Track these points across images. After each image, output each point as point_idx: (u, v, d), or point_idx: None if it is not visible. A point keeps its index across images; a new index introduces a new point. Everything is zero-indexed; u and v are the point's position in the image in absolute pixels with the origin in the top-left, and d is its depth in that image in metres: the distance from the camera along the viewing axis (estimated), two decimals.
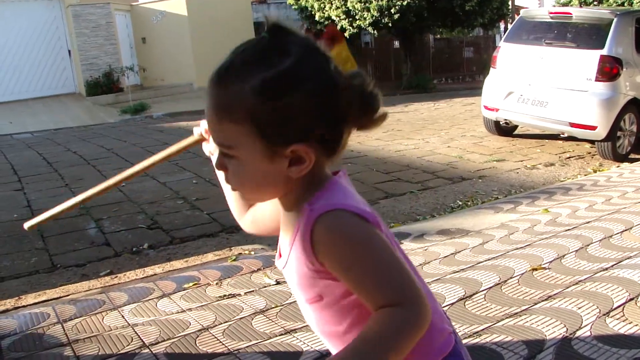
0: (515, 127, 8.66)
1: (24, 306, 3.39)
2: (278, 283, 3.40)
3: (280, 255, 1.12)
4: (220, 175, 1.12)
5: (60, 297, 3.47)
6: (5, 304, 3.41)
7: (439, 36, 24.80)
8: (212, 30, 18.33)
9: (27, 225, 1.39)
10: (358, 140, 8.88)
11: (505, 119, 8.23)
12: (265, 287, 3.36)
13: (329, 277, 1.00)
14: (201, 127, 1.24)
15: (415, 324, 0.92)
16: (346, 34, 16.95)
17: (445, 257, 3.69)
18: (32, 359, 2.74)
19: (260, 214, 1.26)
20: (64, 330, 3.03)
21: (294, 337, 2.74)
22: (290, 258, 1.05)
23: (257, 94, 0.94)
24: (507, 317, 2.79)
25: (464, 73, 23.68)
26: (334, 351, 1.12)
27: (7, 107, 16.61)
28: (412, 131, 9.70)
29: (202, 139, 1.26)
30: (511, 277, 3.26)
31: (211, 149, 1.24)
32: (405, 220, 4.86)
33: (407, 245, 3.98)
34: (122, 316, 3.10)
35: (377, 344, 0.90)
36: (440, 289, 3.16)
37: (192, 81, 18.33)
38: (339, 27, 18.63)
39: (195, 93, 18.02)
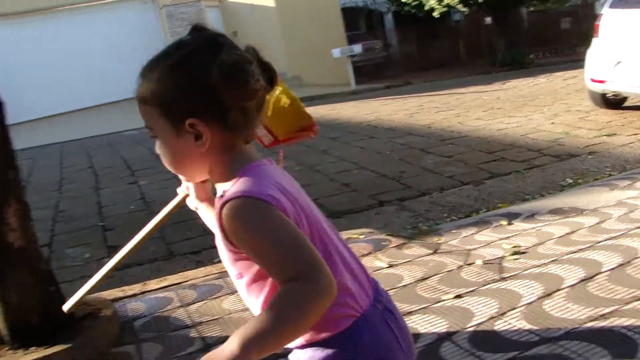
0: (625, 99, 8.16)
1: (149, 291, 3.59)
2: (390, 266, 3.41)
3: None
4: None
5: (180, 283, 3.65)
6: (133, 289, 3.62)
7: (532, 9, 23.76)
8: (300, 19, 18.49)
9: (66, 307, 1.42)
10: (458, 121, 8.73)
11: (614, 91, 7.79)
12: (377, 270, 3.38)
13: (245, 258, 1.11)
14: (183, 186, 1.41)
15: (314, 295, 0.99)
16: (435, 13, 16.62)
17: (560, 237, 3.58)
18: (163, 339, 2.91)
19: None
20: (188, 313, 3.18)
21: (410, 319, 2.74)
22: (217, 240, 1.14)
23: (156, 79, 1.13)
24: (636, 300, 2.66)
25: (562, 46, 22.55)
26: None
27: (116, 106, 17.48)
28: (513, 109, 9.40)
29: (186, 195, 1.41)
30: (636, 257, 3.11)
31: (195, 204, 1.39)
32: (514, 200, 4.73)
33: (517, 226, 3.88)
34: (240, 300, 3.21)
35: (276, 318, 0.98)
36: (558, 270, 3.07)
37: (286, 71, 18.57)
38: (426, 7, 18.30)
39: (289, 82, 18.23)
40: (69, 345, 2.79)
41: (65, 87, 18.69)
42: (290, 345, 1.17)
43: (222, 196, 1.10)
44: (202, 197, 1.38)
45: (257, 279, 1.13)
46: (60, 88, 18.57)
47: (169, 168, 1.22)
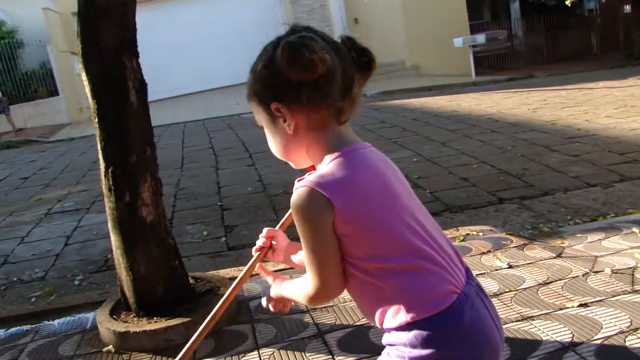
0: None
1: None
2: (510, 267, 3.28)
3: None
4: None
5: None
6: None
7: None
8: (423, 6, 18.14)
9: None
10: (586, 118, 8.26)
11: None
12: (497, 270, 3.27)
13: None
14: (259, 242, 1.55)
15: (311, 296, 1.24)
16: (567, 1, 15.71)
17: None
18: (277, 322, 2.97)
19: None
20: None
21: (531, 324, 2.62)
22: None
23: (251, 73, 1.26)
24: None
25: None
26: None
27: (234, 90, 18.07)
28: None
29: (266, 250, 1.55)
30: None
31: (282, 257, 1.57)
32: None
33: None
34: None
35: (293, 292, 1.33)
36: None
37: (404, 59, 18.38)
38: None
39: (407, 71, 18.09)
40: (189, 318, 2.90)
41: (189, 70, 19.54)
42: (389, 325, 1.22)
43: (302, 178, 1.20)
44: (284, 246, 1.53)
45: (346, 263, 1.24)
46: (184, 70, 19.45)
47: (277, 155, 1.32)
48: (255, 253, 1.53)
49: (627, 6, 18.66)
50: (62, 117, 16.88)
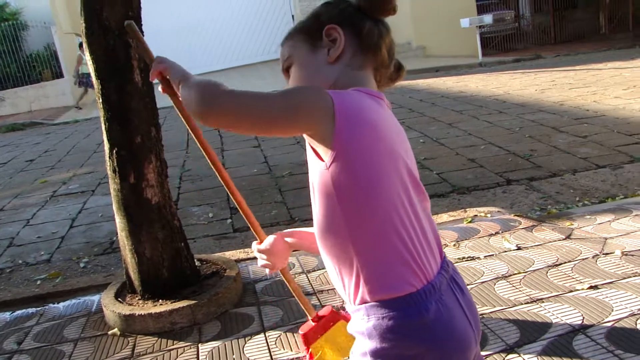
0: None
1: None
2: (519, 248, 3.24)
3: None
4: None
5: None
6: None
7: None
8: None
9: None
10: (594, 99, 8.17)
11: None
12: (505, 251, 3.23)
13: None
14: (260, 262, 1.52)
15: (204, 93, 1.09)
16: None
17: None
18: (283, 304, 2.94)
19: None
20: (309, 280, 3.20)
21: (541, 306, 2.59)
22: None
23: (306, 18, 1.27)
24: None
25: None
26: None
27: (238, 71, 18.03)
28: None
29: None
30: None
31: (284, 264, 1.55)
32: None
33: None
34: None
35: (198, 82, 1.13)
36: None
37: (411, 40, 18.22)
38: None
39: (413, 52, 17.92)
40: (195, 301, 2.88)
41: (196, 52, 19.49)
42: (349, 309, 1.18)
43: None
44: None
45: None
46: (191, 53, 19.37)
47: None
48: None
49: None
50: (67, 100, 16.80)
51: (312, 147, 1.15)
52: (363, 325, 1.13)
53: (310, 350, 1.52)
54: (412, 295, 1.10)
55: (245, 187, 5.50)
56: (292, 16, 20.06)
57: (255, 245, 1.51)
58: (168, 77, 1.27)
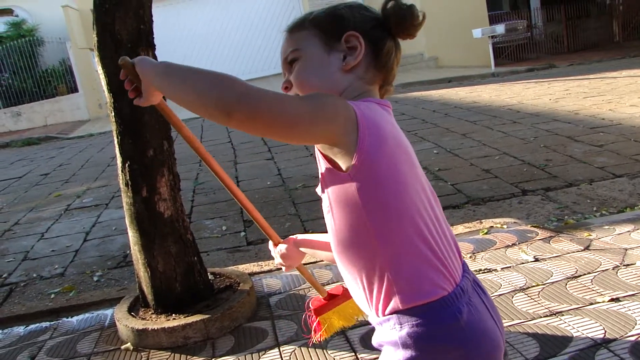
0: None
1: None
2: (537, 260, 3.19)
3: None
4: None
5: (316, 262, 3.63)
6: (269, 265, 3.66)
7: None
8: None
9: None
10: (609, 108, 8.09)
11: None
12: (523, 263, 3.17)
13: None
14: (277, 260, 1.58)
15: (219, 86, 0.98)
16: None
17: None
18: (298, 318, 2.90)
19: None
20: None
21: (561, 320, 2.54)
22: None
23: (325, 8, 1.22)
24: None
25: None
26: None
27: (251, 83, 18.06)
28: None
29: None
30: None
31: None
32: None
33: None
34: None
35: (194, 71, 1.04)
36: None
37: (423, 51, 18.21)
38: None
39: (425, 63, 17.91)
40: (208, 316, 2.85)
41: (207, 64, 19.58)
42: (374, 321, 1.15)
43: None
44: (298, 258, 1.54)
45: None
46: (202, 65, 19.49)
47: (302, 84, 1.19)
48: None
49: None
50: (82, 114, 16.95)
51: (327, 159, 1.11)
52: (395, 334, 1.10)
53: (318, 319, 1.51)
54: (445, 299, 1.10)
55: (259, 200, 5.48)
56: None
57: (272, 246, 1.57)
58: (140, 73, 1.15)
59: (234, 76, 0.99)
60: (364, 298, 1.16)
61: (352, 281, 1.17)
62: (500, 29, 15.46)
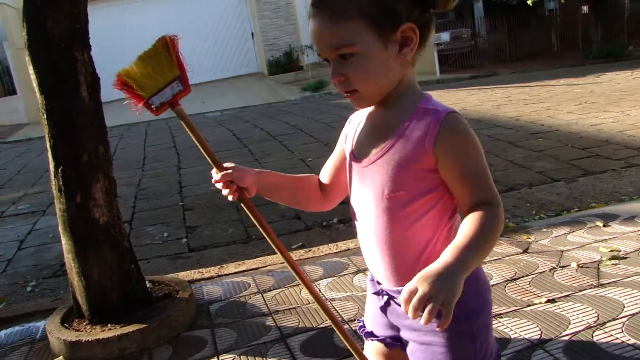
0: None
1: (225, 275, 3.55)
2: None
3: (358, 160, 1.27)
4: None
5: (258, 268, 3.59)
6: (210, 272, 3.59)
7: None
8: None
9: None
10: (548, 115, 8.33)
11: None
12: None
13: (425, 171, 1.17)
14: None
15: (502, 220, 1.13)
16: (529, 1, 15.89)
17: None
18: (238, 326, 2.85)
19: (334, 177, 1.42)
20: (264, 300, 3.11)
21: (499, 322, 2.56)
22: (385, 156, 1.20)
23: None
24: None
25: None
26: (379, 264, 1.28)
27: (198, 88, 17.85)
28: (608, 103, 8.85)
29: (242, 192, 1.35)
30: None
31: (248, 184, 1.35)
32: (609, 201, 4.41)
33: (615, 228, 3.59)
34: (319, 290, 3.12)
35: (490, 236, 1.10)
36: None
37: None
38: None
39: None
40: (145, 325, 2.77)
41: None
42: None
43: (428, 106, 1.18)
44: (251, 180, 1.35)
45: (417, 198, 1.19)
46: None
47: (363, 86, 1.19)
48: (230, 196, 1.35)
49: (585, 7, 18.94)
50: (20, 117, 16.42)
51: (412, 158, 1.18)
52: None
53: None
54: None
55: (202, 206, 5.40)
56: (252, 33, 20.06)
57: (214, 172, 1.35)
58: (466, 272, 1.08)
59: (501, 216, 1.14)
60: (406, 266, 1.23)
61: (392, 254, 1.25)
62: (445, 36, 15.76)
